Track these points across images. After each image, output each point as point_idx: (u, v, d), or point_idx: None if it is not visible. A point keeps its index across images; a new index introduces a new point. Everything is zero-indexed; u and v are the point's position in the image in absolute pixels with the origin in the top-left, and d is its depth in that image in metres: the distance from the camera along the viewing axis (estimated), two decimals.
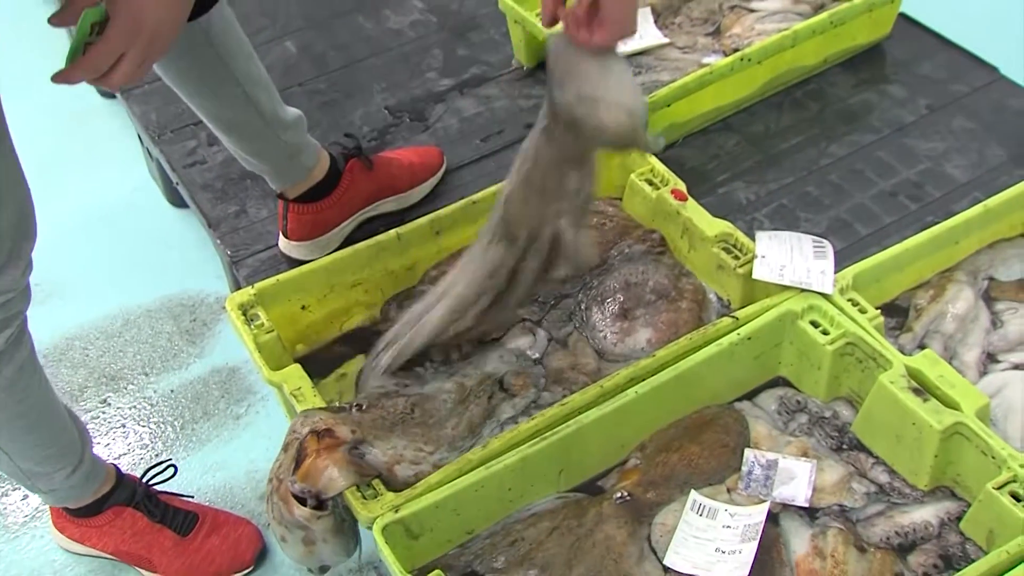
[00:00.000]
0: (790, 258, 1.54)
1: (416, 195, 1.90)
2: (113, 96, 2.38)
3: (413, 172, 1.89)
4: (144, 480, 1.65)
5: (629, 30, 1.29)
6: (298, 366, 1.52)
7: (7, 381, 1.33)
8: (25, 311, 1.33)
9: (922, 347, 1.57)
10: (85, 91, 2.49)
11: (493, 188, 1.72)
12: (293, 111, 1.68)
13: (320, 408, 1.43)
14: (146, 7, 1.09)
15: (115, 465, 1.63)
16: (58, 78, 1.10)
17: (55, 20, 1.12)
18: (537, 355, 1.61)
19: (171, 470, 1.67)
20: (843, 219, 1.85)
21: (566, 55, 1.32)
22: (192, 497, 1.71)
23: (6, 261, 1.24)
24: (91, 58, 1.08)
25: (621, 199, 1.80)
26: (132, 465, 1.81)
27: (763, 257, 1.54)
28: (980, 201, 1.70)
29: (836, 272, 1.55)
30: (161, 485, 1.67)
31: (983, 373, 1.57)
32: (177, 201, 2.21)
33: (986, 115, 2.01)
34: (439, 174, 1.94)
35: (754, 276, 1.53)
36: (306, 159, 1.72)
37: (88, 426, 1.86)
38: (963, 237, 1.69)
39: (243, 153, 1.68)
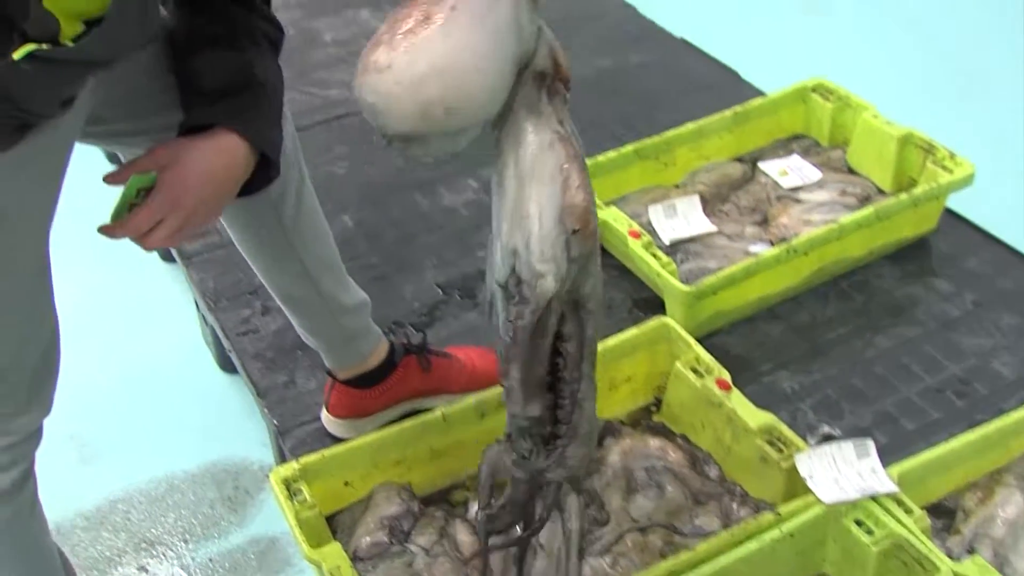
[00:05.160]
0: (837, 469, 1.53)
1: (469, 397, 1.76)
2: (173, 260, 2.45)
3: (472, 377, 1.84)
4: None
5: None
6: (337, 544, 1.52)
7: (3, 523, 1.34)
8: (34, 453, 1.35)
9: (971, 551, 1.54)
10: (148, 254, 2.56)
11: None
12: (359, 296, 1.71)
13: None
14: (190, 186, 1.20)
15: None
16: (102, 230, 1.20)
17: (110, 179, 1.23)
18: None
19: None
20: (888, 413, 1.84)
21: None
22: None
23: (27, 402, 1.28)
24: (132, 220, 1.18)
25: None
26: None
27: (811, 478, 1.53)
28: None
29: (884, 468, 1.54)
30: None
31: None
32: (228, 367, 2.25)
33: None
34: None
35: (826, 502, 1.51)
36: (363, 345, 1.74)
37: None
38: (1013, 438, 1.68)
39: (299, 327, 1.72)
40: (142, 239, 1.20)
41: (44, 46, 1.02)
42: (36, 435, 1.35)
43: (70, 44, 1.04)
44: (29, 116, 1.10)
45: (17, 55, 1.00)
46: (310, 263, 1.60)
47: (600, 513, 1.64)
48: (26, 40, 1.01)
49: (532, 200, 1.15)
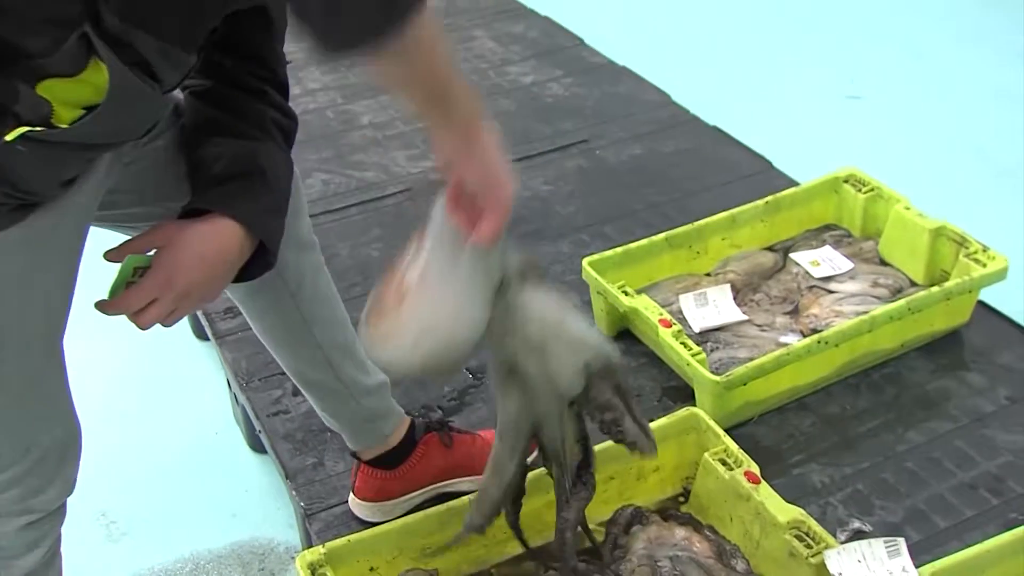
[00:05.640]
0: (867, 567, 1.52)
1: None
2: (207, 338, 2.48)
3: None
4: None
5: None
6: None
7: None
8: (59, 530, 1.36)
9: None
10: (183, 330, 2.60)
11: None
12: (378, 377, 1.71)
13: None
14: (181, 269, 1.23)
15: None
16: (99, 305, 1.23)
17: (110, 256, 1.26)
18: None
19: None
20: (920, 510, 1.81)
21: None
22: None
23: (50, 479, 1.30)
24: (126, 297, 1.22)
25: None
26: None
27: (841, 574, 1.52)
28: None
29: (916, 568, 1.52)
30: None
31: None
32: (257, 447, 2.25)
33: None
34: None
35: None
36: (384, 426, 1.75)
37: None
38: None
39: (320, 411, 1.73)
40: (135, 317, 1.23)
41: (37, 128, 1.05)
42: (60, 512, 1.36)
43: (65, 127, 1.07)
44: (28, 196, 1.12)
45: (9, 137, 1.03)
46: (328, 348, 1.61)
47: None
48: (19, 123, 1.04)
49: (575, 324, 1.38)
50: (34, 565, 1.33)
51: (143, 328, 1.24)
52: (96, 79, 1.07)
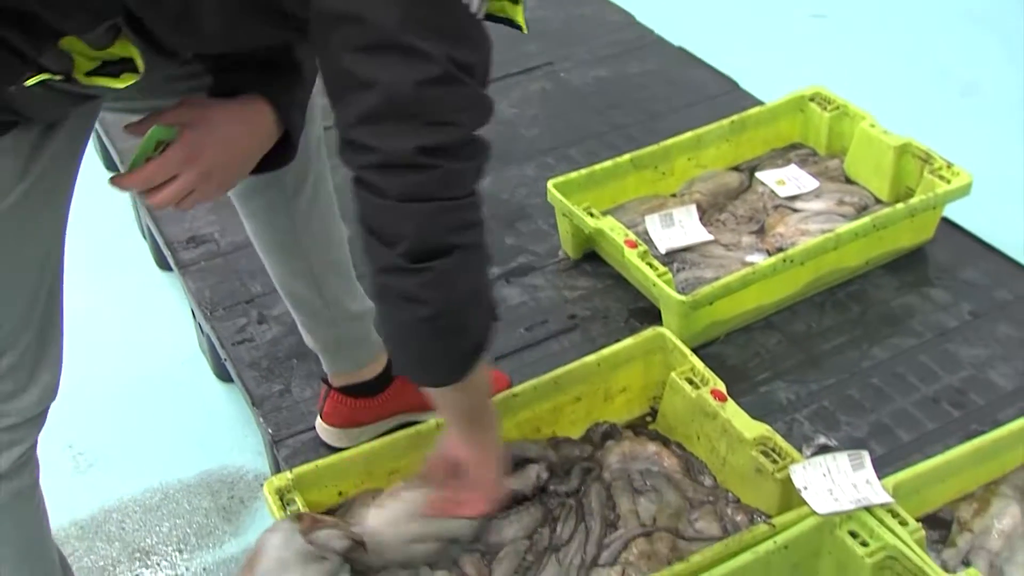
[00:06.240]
0: (832, 480, 1.53)
1: None
2: (170, 269, 2.45)
3: None
4: None
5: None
6: None
7: (2, 504, 1.32)
8: (36, 437, 1.34)
9: (966, 563, 1.54)
10: (146, 260, 2.57)
11: (534, 381, 1.74)
12: (366, 304, 1.68)
13: None
14: (207, 146, 1.19)
15: None
16: (114, 180, 1.20)
17: (131, 128, 1.22)
18: None
19: None
20: (884, 424, 1.83)
21: None
22: None
23: (25, 384, 1.28)
24: (147, 171, 1.18)
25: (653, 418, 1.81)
26: None
27: (806, 489, 1.53)
28: None
29: (879, 479, 1.54)
30: None
31: None
32: (224, 376, 2.24)
33: None
34: None
35: (820, 513, 1.50)
36: (361, 354, 1.73)
37: None
38: (1009, 449, 1.67)
39: (299, 326, 1.72)
40: (151, 194, 1.19)
41: (57, 77, 1.04)
42: (38, 420, 1.33)
43: (83, 79, 1.06)
44: (20, 118, 1.11)
45: (29, 83, 1.03)
46: (317, 263, 1.59)
47: (612, 513, 1.64)
48: (40, 71, 1.04)
49: None
50: (7, 467, 1.31)
51: (156, 207, 1.21)
52: (122, 52, 1.07)
